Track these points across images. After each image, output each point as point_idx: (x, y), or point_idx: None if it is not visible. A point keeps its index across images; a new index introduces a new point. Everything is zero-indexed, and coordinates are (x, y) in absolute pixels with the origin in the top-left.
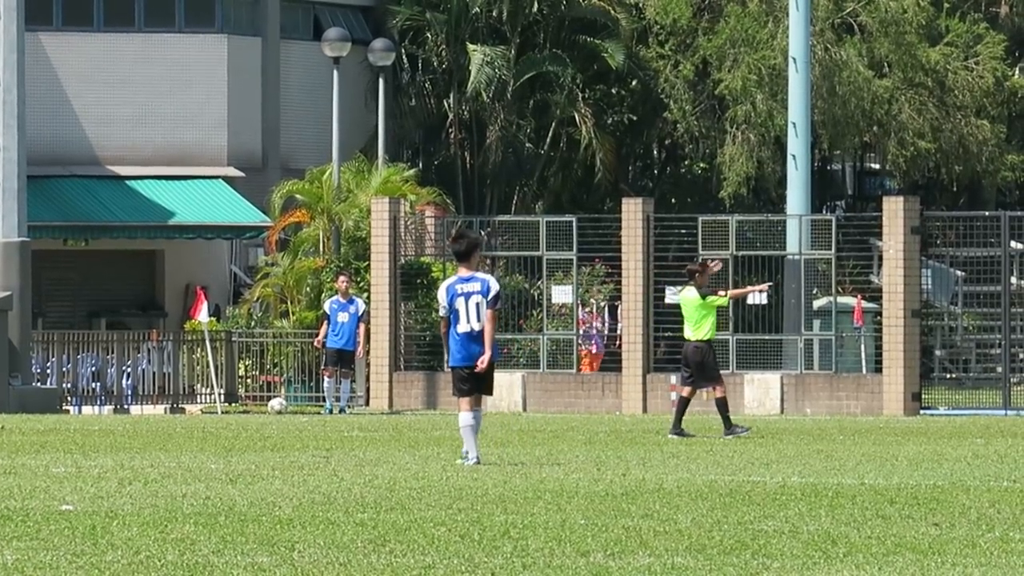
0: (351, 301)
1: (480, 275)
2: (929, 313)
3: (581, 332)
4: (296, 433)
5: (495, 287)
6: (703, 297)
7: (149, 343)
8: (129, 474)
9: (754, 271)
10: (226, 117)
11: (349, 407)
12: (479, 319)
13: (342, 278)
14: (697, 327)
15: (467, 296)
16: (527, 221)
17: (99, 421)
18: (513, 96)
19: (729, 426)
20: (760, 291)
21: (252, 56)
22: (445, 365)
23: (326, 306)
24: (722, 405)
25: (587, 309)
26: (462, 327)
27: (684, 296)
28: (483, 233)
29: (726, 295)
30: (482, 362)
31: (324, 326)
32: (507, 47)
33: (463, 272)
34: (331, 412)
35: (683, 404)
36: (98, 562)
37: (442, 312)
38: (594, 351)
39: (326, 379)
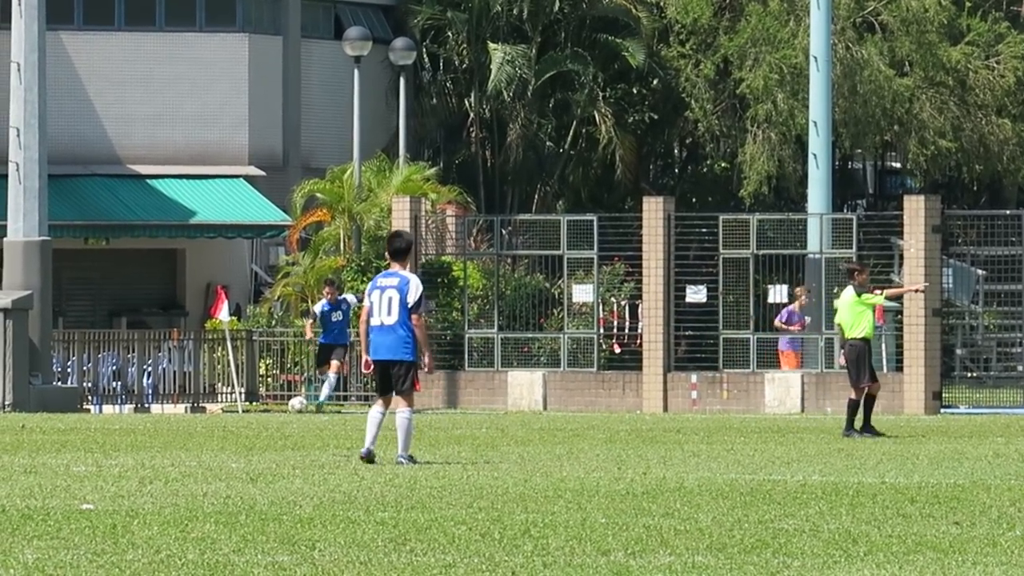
0: (340, 301)
1: (403, 273)
2: (950, 312)
3: (787, 338)
4: (316, 432)
5: (415, 292)
6: (859, 295)
7: (170, 342)
8: (150, 473)
9: (775, 270)
10: (247, 116)
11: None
12: (389, 313)
13: (327, 290)
14: (854, 326)
15: (383, 290)
16: (548, 220)
17: (120, 420)
18: (534, 95)
19: (849, 426)
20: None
21: (273, 55)
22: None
23: (317, 308)
24: (853, 407)
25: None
26: (374, 320)
27: (842, 296)
28: (504, 232)
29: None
30: (428, 367)
31: (309, 324)
32: (528, 46)
33: (392, 268)
34: (325, 400)
35: (853, 405)
36: (119, 561)
37: (365, 302)
38: (789, 349)
39: (331, 374)
